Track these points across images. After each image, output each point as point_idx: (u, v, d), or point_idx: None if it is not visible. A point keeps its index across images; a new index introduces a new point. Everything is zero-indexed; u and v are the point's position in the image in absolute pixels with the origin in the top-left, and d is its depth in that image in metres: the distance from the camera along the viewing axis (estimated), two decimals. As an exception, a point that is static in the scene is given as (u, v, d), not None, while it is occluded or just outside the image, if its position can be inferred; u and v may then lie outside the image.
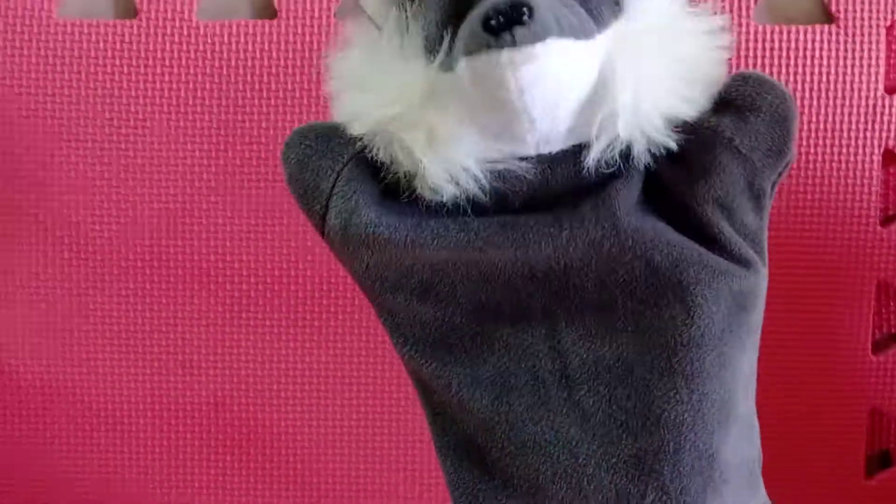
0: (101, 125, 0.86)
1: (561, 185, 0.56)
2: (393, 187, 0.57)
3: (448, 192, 0.55)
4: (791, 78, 0.84)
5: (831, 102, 0.84)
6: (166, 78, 0.86)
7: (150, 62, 0.85)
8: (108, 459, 0.91)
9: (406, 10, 0.55)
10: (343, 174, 0.57)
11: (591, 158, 0.54)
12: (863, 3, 0.84)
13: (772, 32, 0.84)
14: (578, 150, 0.55)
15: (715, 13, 0.57)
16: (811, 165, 0.85)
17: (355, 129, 0.56)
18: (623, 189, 0.55)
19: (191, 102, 0.86)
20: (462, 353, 0.58)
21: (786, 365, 0.87)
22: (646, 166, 0.56)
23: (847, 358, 0.87)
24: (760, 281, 0.58)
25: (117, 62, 0.86)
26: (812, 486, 0.89)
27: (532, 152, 0.55)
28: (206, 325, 0.88)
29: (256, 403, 0.90)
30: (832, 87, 0.84)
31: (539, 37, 0.49)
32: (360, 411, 0.90)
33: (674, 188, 0.56)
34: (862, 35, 0.84)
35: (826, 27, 0.84)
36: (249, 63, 0.85)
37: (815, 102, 0.84)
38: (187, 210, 0.87)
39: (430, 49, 0.54)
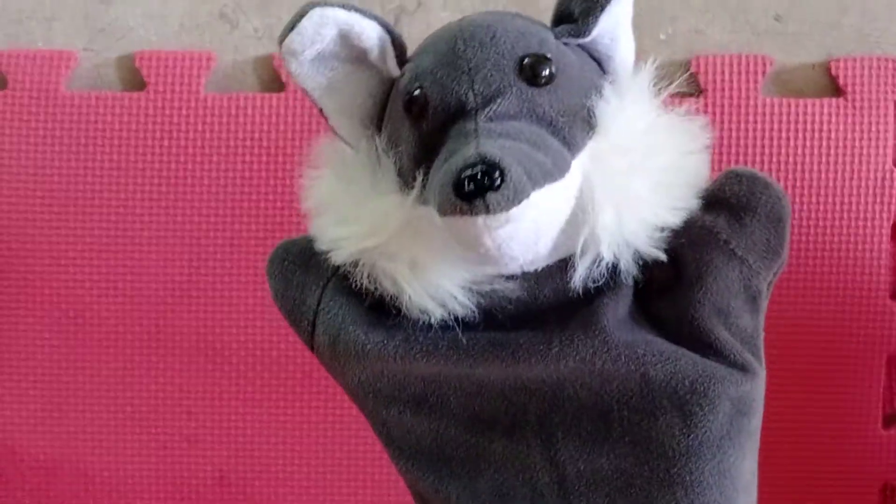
0: (108, 197, 0.86)
1: (549, 300, 0.55)
2: (379, 301, 0.56)
3: (436, 314, 0.54)
4: (799, 151, 0.84)
5: (839, 175, 0.84)
6: (173, 150, 0.85)
7: (158, 134, 0.85)
8: (112, 534, 0.90)
9: (377, 140, 0.55)
10: (328, 289, 0.56)
11: (577, 278, 0.53)
12: (871, 76, 0.84)
13: (780, 105, 0.84)
14: (564, 264, 0.54)
15: (692, 113, 0.56)
16: (820, 239, 0.84)
17: (336, 259, 0.55)
18: (612, 302, 0.54)
19: (197, 174, 0.85)
20: (459, 466, 0.57)
21: (797, 441, 0.86)
22: (637, 276, 0.54)
23: (858, 433, 0.86)
24: (759, 384, 0.56)
25: (125, 134, 0.86)
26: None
27: (517, 272, 0.54)
28: (211, 399, 0.88)
29: (262, 477, 0.89)
30: (840, 160, 0.84)
31: (513, 201, 0.47)
32: (366, 485, 0.89)
33: (667, 293, 0.55)
34: (870, 108, 0.84)
35: (834, 100, 0.84)
36: (257, 135, 0.85)
37: (823, 175, 0.84)
38: (192, 283, 0.86)
39: (405, 181, 0.53)
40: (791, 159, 0.84)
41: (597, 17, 0.54)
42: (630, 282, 0.54)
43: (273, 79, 0.86)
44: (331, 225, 0.55)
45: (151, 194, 0.86)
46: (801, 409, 0.86)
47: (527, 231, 0.49)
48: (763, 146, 0.84)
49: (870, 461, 0.87)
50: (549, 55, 0.53)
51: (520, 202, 0.47)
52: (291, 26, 0.53)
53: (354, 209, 0.54)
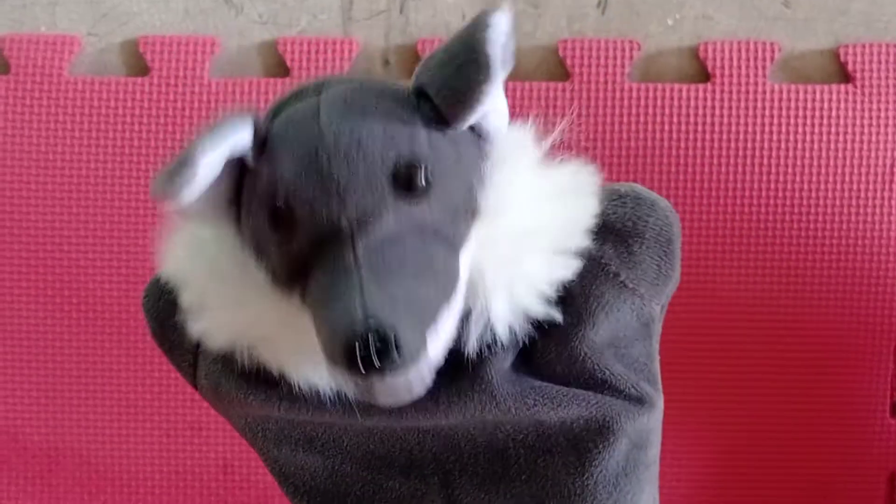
0: (111, 183, 0.85)
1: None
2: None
3: (325, 390, 0.50)
4: (807, 137, 0.84)
5: (848, 162, 0.84)
6: (177, 136, 0.85)
7: (162, 120, 0.85)
8: (115, 523, 0.90)
9: (238, 234, 0.49)
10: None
11: (470, 349, 0.49)
12: (880, 63, 0.83)
13: (788, 92, 0.84)
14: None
15: (576, 164, 0.51)
16: (828, 227, 0.84)
17: (211, 345, 0.50)
18: (498, 357, 0.51)
19: (202, 160, 0.85)
20: (355, 503, 0.55)
21: (805, 430, 0.86)
22: (528, 335, 0.51)
23: (866, 421, 0.86)
24: (656, 414, 0.54)
25: (128, 120, 0.85)
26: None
27: None
28: (216, 386, 0.87)
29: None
30: (849, 146, 0.84)
31: (409, 364, 0.43)
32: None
33: (559, 334, 0.51)
34: (879, 95, 0.83)
35: (843, 87, 0.83)
36: (261, 121, 0.84)
37: (831, 162, 0.84)
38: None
39: (278, 286, 0.48)
40: (799, 146, 0.84)
41: (470, 115, 0.47)
42: (521, 340, 0.51)
43: (278, 64, 0.85)
44: (202, 313, 0.50)
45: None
46: (808, 398, 0.85)
47: (426, 373, 0.45)
48: (771, 133, 0.84)
49: (877, 450, 0.86)
50: (421, 161, 0.47)
51: (417, 363, 0.44)
52: (183, 181, 0.45)
53: (228, 306, 0.49)
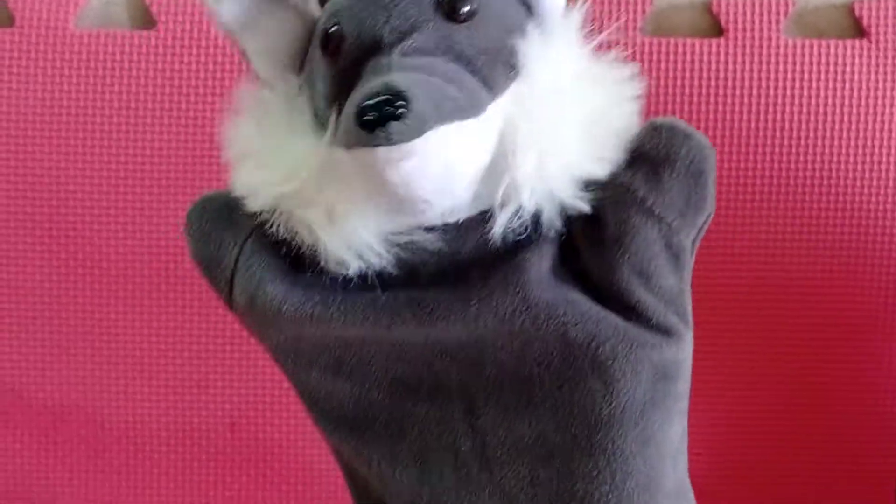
0: (117, 137, 0.85)
1: (470, 254, 0.52)
2: (298, 258, 0.54)
3: (353, 266, 0.52)
4: (821, 93, 0.83)
5: (862, 117, 0.83)
6: (183, 89, 0.84)
7: (168, 73, 0.84)
8: (121, 479, 0.89)
9: (294, 80, 0.53)
10: (246, 248, 0.54)
11: (497, 229, 0.51)
12: (894, 17, 0.82)
13: (801, 47, 0.83)
14: (486, 216, 0.51)
15: (623, 61, 0.53)
16: (842, 183, 0.83)
17: (252, 205, 0.53)
18: (534, 258, 0.52)
19: (208, 114, 0.84)
20: (381, 430, 0.55)
21: (820, 420, 0.86)
22: (560, 230, 0.52)
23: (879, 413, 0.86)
24: (685, 347, 0.54)
25: (134, 73, 0.84)
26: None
27: (437, 222, 0.51)
28: (223, 344, 0.87)
29: (273, 423, 0.88)
30: (863, 101, 0.83)
31: (416, 131, 0.45)
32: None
33: (589, 254, 0.53)
34: (893, 49, 0.82)
35: (857, 41, 0.83)
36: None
37: (845, 117, 0.83)
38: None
39: (321, 123, 0.51)
40: (813, 101, 0.83)
41: None
42: (553, 235, 0.52)
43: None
44: (248, 171, 0.53)
45: (161, 133, 0.84)
46: (823, 386, 0.86)
47: (436, 169, 0.47)
48: (784, 88, 0.83)
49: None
50: None
51: (422, 133, 0.45)
52: None
53: (271, 154, 0.52)
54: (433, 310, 0.52)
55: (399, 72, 0.47)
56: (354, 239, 0.51)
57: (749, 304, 0.85)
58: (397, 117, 0.44)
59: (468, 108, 0.47)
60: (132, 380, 0.87)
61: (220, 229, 0.55)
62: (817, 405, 0.86)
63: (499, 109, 0.49)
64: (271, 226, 0.52)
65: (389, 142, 0.45)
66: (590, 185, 0.51)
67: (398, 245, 0.51)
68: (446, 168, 0.47)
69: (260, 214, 0.53)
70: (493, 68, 0.50)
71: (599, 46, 0.53)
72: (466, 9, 0.50)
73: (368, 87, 0.46)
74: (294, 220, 0.52)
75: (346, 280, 0.52)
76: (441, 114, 0.46)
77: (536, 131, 0.49)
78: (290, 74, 0.54)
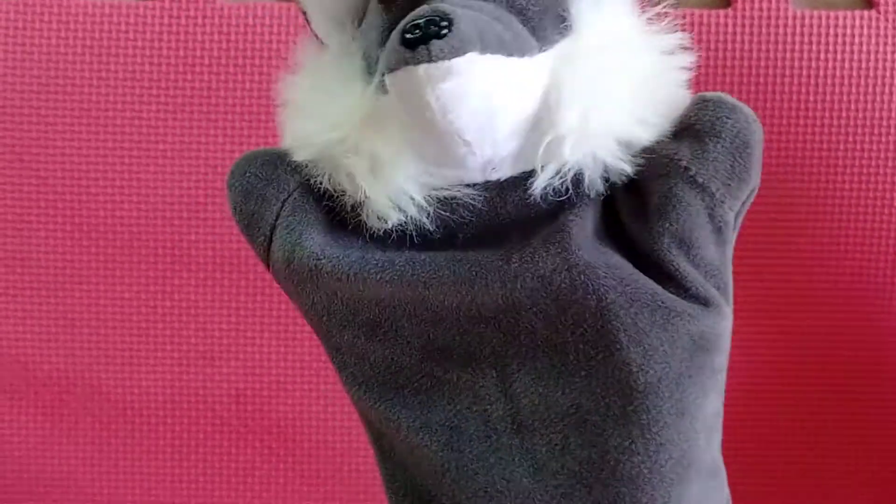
0: (122, 109, 0.84)
1: (511, 215, 0.53)
2: (340, 216, 0.54)
3: (393, 218, 0.52)
4: (830, 64, 0.82)
5: (871, 89, 0.82)
6: (189, 61, 0.84)
7: (174, 45, 0.84)
8: (127, 451, 0.89)
9: (349, 31, 0.54)
10: (287, 204, 0.55)
11: (538, 186, 0.51)
12: (904, -12, 0.82)
13: (811, 18, 0.82)
14: (528, 176, 0.52)
15: (676, 30, 0.53)
16: (850, 155, 0.83)
17: (299, 156, 0.54)
18: (576, 219, 0.52)
19: (213, 86, 0.84)
20: (412, 395, 0.55)
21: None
22: (602, 193, 0.52)
23: None
24: (723, 321, 0.54)
25: (139, 44, 0.84)
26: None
27: (479, 178, 0.52)
28: (228, 316, 0.86)
29: (279, 395, 0.88)
30: (872, 73, 0.82)
31: (457, 51, 0.46)
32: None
33: (630, 220, 0.53)
34: (903, 21, 0.82)
35: (866, 13, 0.82)
36: (274, 46, 0.83)
37: (854, 90, 0.83)
38: (209, 197, 0.85)
39: (370, 70, 0.52)
40: (822, 73, 0.83)
41: None
42: (595, 198, 0.52)
43: (290, -12, 0.84)
44: (295, 119, 0.54)
45: (167, 106, 0.84)
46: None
47: (476, 98, 0.47)
48: (793, 59, 0.83)
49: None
50: None
51: (464, 53, 0.46)
52: None
53: (321, 104, 0.53)
54: (472, 268, 0.52)
55: (447, 3, 0.48)
56: (396, 189, 0.51)
57: (760, 287, 0.85)
58: (441, 36, 0.45)
59: (513, 47, 0.48)
60: (137, 352, 0.87)
61: (264, 185, 0.55)
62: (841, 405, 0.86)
63: (545, 63, 0.49)
64: (316, 177, 0.53)
65: (430, 58, 0.45)
66: (634, 152, 0.51)
67: (439, 201, 0.52)
68: (487, 101, 0.48)
69: (305, 167, 0.53)
70: (543, 20, 0.50)
71: (651, 16, 0.53)
72: None
73: (414, 13, 0.47)
74: (339, 170, 0.52)
75: (386, 238, 0.53)
76: (485, 42, 0.46)
77: (581, 88, 0.50)
78: (346, 26, 0.54)
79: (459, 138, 0.49)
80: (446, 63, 0.45)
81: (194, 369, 0.87)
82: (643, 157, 0.52)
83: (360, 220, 0.53)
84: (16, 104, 0.84)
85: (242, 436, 0.89)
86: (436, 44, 0.45)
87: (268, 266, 0.56)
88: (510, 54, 0.47)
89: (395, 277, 0.52)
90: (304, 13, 0.55)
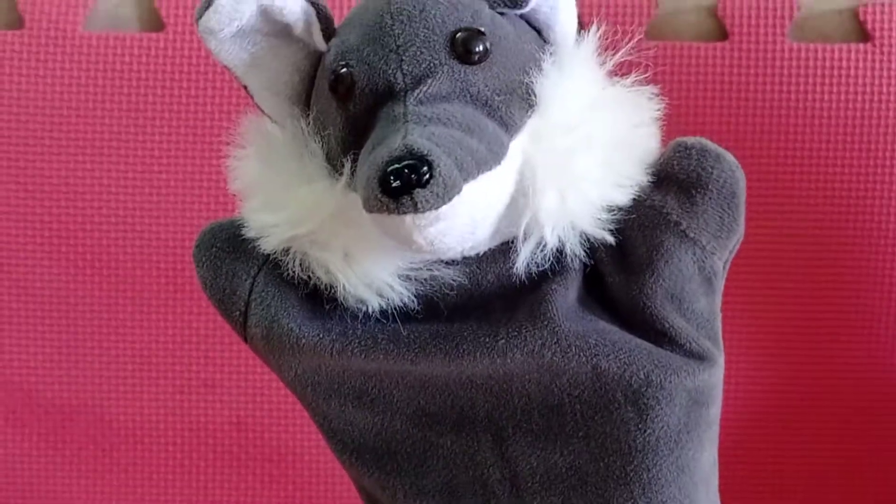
0: (126, 139, 0.85)
1: (493, 285, 0.52)
2: (314, 289, 0.52)
3: (373, 303, 0.51)
4: (826, 97, 0.83)
5: (866, 122, 0.83)
6: (192, 92, 0.85)
7: (177, 76, 0.85)
8: (129, 478, 0.90)
9: (303, 122, 0.52)
10: (259, 278, 0.53)
11: (520, 263, 0.50)
12: (900, 21, 0.83)
13: (807, 51, 0.83)
14: (508, 248, 0.50)
15: (639, 82, 0.52)
16: (846, 187, 0.84)
17: (266, 247, 0.51)
18: (560, 288, 0.51)
19: (216, 116, 0.85)
20: (405, 461, 0.54)
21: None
22: (585, 262, 0.51)
23: None
24: (717, 372, 0.53)
25: (143, 76, 0.85)
26: None
27: (458, 257, 0.50)
28: (230, 343, 0.87)
29: (279, 423, 0.88)
30: (867, 106, 0.83)
31: (442, 199, 0.44)
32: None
33: (616, 279, 0.52)
34: (898, 54, 0.83)
35: (862, 46, 0.83)
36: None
37: (849, 122, 0.83)
38: (211, 226, 0.85)
39: (333, 166, 0.50)
40: (817, 105, 0.83)
41: None
42: (577, 265, 0.51)
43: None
44: (258, 211, 0.51)
45: (170, 136, 0.85)
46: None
47: (461, 226, 0.46)
48: (789, 92, 0.83)
49: None
50: (482, 29, 0.49)
51: (450, 199, 0.44)
52: (208, 4, 0.49)
53: (282, 195, 0.51)
54: (459, 344, 0.51)
55: (416, 125, 0.46)
56: (373, 278, 0.50)
57: (757, 307, 0.85)
58: (423, 184, 0.43)
59: (490, 159, 0.46)
60: (139, 379, 0.88)
61: (232, 260, 0.53)
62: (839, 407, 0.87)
63: (517, 147, 0.48)
64: (285, 265, 0.51)
65: (416, 210, 0.44)
66: (613, 210, 0.50)
67: (418, 280, 0.51)
68: (471, 221, 0.46)
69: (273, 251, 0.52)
70: (509, 107, 0.49)
71: (614, 69, 0.52)
72: (480, 49, 0.49)
73: (388, 148, 0.45)
74: (309, 260, 0.51)
75: (366, 313, 0.51)
76: (465, 172, 0.45)
77: (555, 167, 0.48)
78: (296, 108, 0.53)
79: (442, 251, 0.48)
80: (433, 213, 0.44)
81: (195, 397, 0.88)
82: (627, 209, 0.51)
83: (336, 298, 0.52)
84: (20, 134, 0.85)
85: (243, 463, 0.89)
86: (420, 194, 0.43)
87: (245, 339, 0.55)
88: (489, 168, 0.46)
89: (380, 353, 0.51)
90: (246, 88, 0.53)
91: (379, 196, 0.44)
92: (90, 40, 0.85)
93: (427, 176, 0.43)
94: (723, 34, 0.84)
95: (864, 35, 0.83)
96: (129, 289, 0.87)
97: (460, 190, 0.44)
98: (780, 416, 0.87)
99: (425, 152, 0.44)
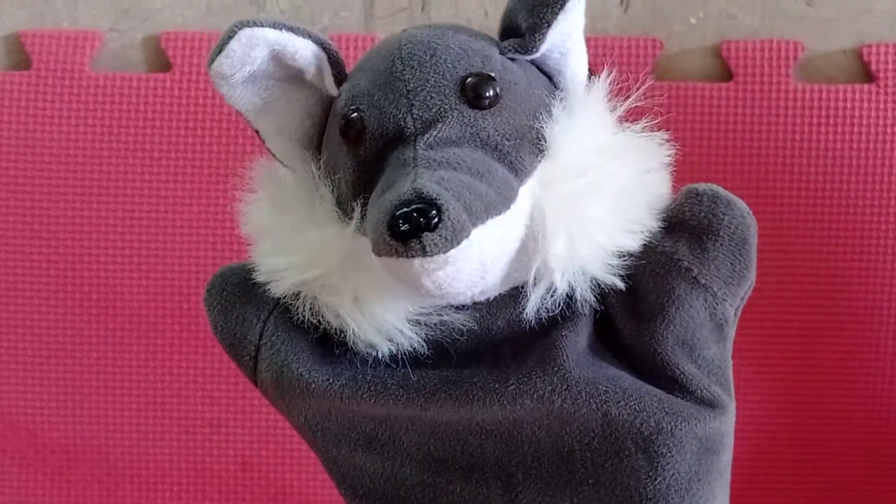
0: (132, 179, 0.85)
1: (503, 331, 0.51)
2: (324, 334, 0.52)
3: (382, 348, 0.51)
4: (830, 137, 0.83)
5: (871, 162, 0.83)
6: (198, 132, 0.85)
7: (183, 116, 0.85)
8: (134, 519, 0.90)
9: (314, 165, 0.52)
10: (269, 323, 0.53)
11: (530, 308, 0.50)
12: (904, 62, 0.83)
13: (811, 91, 0.83)
14: (518, 293, 0.50)
15: (650, 128, 0.52)
16: (850, 227, 0.84)
17: (276, 291, 0.51)
18: (570, 335, 0.51)
19: (223, 156, 0.85)
20: None
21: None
22: (595, 308, 0.51)
23: None
24: (728, 419, 0.53)
25: (150, 116, 0.85)
26: None
27: (468, 302, 0.50)
28: (235, 384, 0.87)
29: (285, 463, 0.88)
30: (872, 146, 0.83)
31: (451, 243, 0.44)
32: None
33: (627, 325, 0.52)
34: (903, 94, 0.83)
35: (866, 86, 0.83)
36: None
37: (854, 162, 0.83)
38: (216, 267, 0.85)
39: (343, 210, 0.50)
40: (822, 146, 0.83)
41: (544, 34, 0.50)
42: (587, 311, 0.51)
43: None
44: (269, 255, 0.52)
45: (176, 176, 0.85)
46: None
47: (470, 271, 0.46)
48: (793, 133, 0.84)
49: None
50: (492, 74, 0.50)
51: (459, 243, 0.44)
52: (219, 49, 0.50)
53: (293, 239, 0.51)
54: (468, 390, 0.51)
55: (426, 170, 0.46)
56: (382, 323, 0.50)
57: (765, 344, 0.85)
58: (431, 228, 0.43)
59: (499, 204, 0.46)
60: (145, 420, 0.88)
61: (242, 304, 0.53)
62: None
63: (527, 192, 0.48)
64: (295, 309, 0.51)
65: (425, 254, 0.44)
66: (623, 256, 0.50)
67: (427, 325, 0.50)
68: (481, 266, 0.46)
69: (283, 296, 0.52)
70: (519, 152, 0.49)
71: (624, 115, 0.52)
72: (490, 94, 0.49)
73: (397, 192, 0.45)
74: (319, 304, 0.51)
75: (376, 358, 0.51)
76: (474, 216, 0.45)
77: (564, 212, 0.48)
78: (307, 153, 0.53)
79: (452, 298, 0.48)
80: (442, 256, 0.44)
81: (201, 437, 0.88)
82: (638, 256, 0.50)
83: (346, 343, 0.52)
84: (27, 174, 0.85)
85: (248, 503, 0.89)
86: (428, 237, 0.43)
87: (255, 384, 0.55)
88: (498, 213, 0.46)
89: (390, 398, 0.51)
90: (258, 132, 0.54)
91: (388, 239, 0.44)
92: (97, 80, 0.85)
93: (436, 219, 0.43)
94: (727, 75, 0.84)
95: (868, 75, 0.84)
96: (135, 329, 0.87)
97: (469, 234, 0.44)
98: (788, 460, 0.87)
99: (434, 196, 0.44)
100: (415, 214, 0.43)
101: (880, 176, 0.83)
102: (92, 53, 0.85)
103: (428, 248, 0.44)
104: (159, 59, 0.85)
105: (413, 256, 0.44)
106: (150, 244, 0.86)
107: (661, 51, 0.84)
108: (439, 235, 0.43)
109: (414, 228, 0.43)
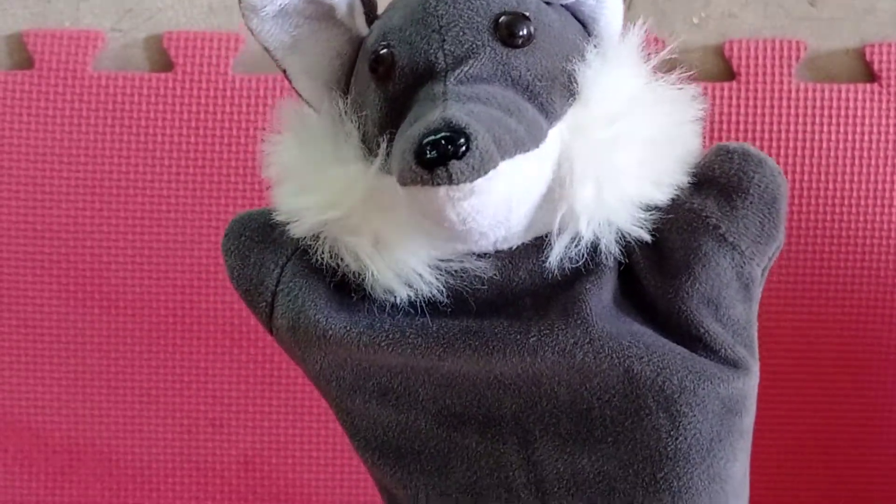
0: (134, 178, 0.85)
1: (524, 282, 0.50)
2: (343, 280, 0.52)
3: (401, 293, 0.50)
4: (832, 137, 0.83)
5: (873, 161, 0.83)
6: (200, 131, 0.85)
7: (185, 116, 0.85)
8: (136, 519, 0.90)
9: (341, 103, 0.51)
10: (287, 269, 0.52)
11: (554, 257, 0.49)
12: (906, 61, 0.83)
13: (813, 91, 0.83)
14: (541, 243, 0.49)
15: (684, 81, 0.51)
16: (853, 226, 0.83)
17: (296, 231, 0.51)
18: (594, 288, 0.50)
19: (225, 156, 0.85)
20: (428, 461, 0.53)
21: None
22: (620, 260, 0.50)
23: None
24: (751, 380, 0.52)
25: (152, 115, 0.85)
26: None
27: (490, 249, 0.49)
28: (237, 382, 0.87)
29: (287, 462, 0.88)
30: (874, 145, 0.83)
31: (478, 171, 0.43)
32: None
33: (652, 281, 0.51)
34: (905, 94, 0.83)
35: (869, 86, 0.83)
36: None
37: (856, 161, 0.83)
38: (218, 265, 0.85)
39: (369, 148, 0.50)
40: (824, 145, 0.83)
41: None
42: (612, 264, 0.50)
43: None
44: (290, 195, 0.51)
45: (178, 175, 0.85)
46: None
47: (496, 205, 0.45)
48: (796, 132, 0.83)
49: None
50: (527, 14, 0.49)
51: (486, 172, 0.43)
52: None
53: (315, 178, 0.50)
54: (488, 341, 0.50)
55: (455, 102, 0.46)
56: (403, 267, 0.49)
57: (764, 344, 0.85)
58: (459, 156, 0.43)
59: (528, 141, 0.45)
60: (147, 419, 0.88)
61: (260, 250, 0.53)
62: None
63: (556, 136, 0.48)
64: (315, 252, 0.51)
65: (451, 182, 0.43)
66: (651, 209, 0.49)
67: (448, 272, 0.50)
68: (506, 203, 0.46)
69: (303, 239, 0.51)
70: (550, 94, 0.48)
71: (658, 67, 0.52)
72: (524, 33, 0.49)
73: (426, 121, 0.44)
74: (339, 246, 0.50)
75: (394, 306, 0.51)
76: (502, 149, 0.44)
77: (594, 159, 0.48)
78: (334, 93, 0.52)
79: (475, 233, 0.47)
80: (468, 185, 0.43)
81: (203, 436, 0.88)
82: (665, 210, 0.50)
83: (365, 289, 0.51)
84: (29, 173, 0.85)
85: (251, 502, 0.89)
86: (455, 165, 0.42)
87: (270, 331, 0.54)
88: (526, 150, 0.45)
89: (407, 347, 0.50)
90: (285, 72, 0.53)
91: (413, 167, 0.43)
92: (99, 80, 0.85)
93: (464, 148, 0.43)
94: (730, 74, 0.84)
95: (870, 75, 0.83)
96: (137, 328, 0.87)
97: (496, 164, 0.43)
98: (789, 460, 0.87)
99: (463, 125, 0.43)
100: (442, 142, 0.43)
101: (883, 175, 0.83)
102: (94, 53, 0.85)
103: (454, 176, 0.43)
104: (161, 58, 0.85)
105: (439, 184, 0.43)
106: (152, 244, 0.86)
107: (663, 50, 0.84)
108: (466, 164, 0.43)
109: (441, 156, 0.43)
